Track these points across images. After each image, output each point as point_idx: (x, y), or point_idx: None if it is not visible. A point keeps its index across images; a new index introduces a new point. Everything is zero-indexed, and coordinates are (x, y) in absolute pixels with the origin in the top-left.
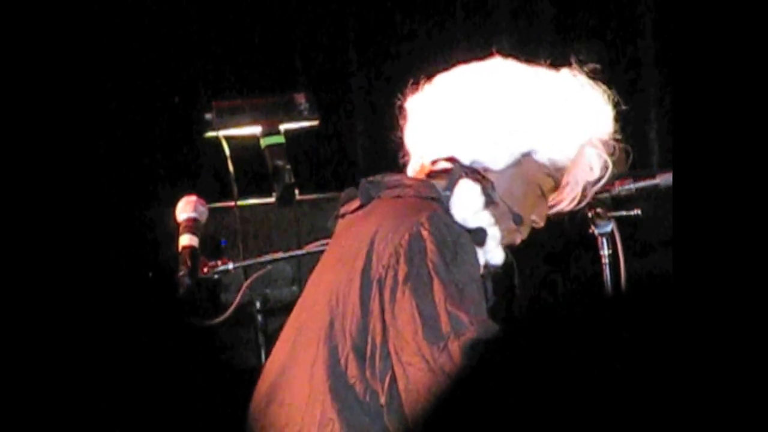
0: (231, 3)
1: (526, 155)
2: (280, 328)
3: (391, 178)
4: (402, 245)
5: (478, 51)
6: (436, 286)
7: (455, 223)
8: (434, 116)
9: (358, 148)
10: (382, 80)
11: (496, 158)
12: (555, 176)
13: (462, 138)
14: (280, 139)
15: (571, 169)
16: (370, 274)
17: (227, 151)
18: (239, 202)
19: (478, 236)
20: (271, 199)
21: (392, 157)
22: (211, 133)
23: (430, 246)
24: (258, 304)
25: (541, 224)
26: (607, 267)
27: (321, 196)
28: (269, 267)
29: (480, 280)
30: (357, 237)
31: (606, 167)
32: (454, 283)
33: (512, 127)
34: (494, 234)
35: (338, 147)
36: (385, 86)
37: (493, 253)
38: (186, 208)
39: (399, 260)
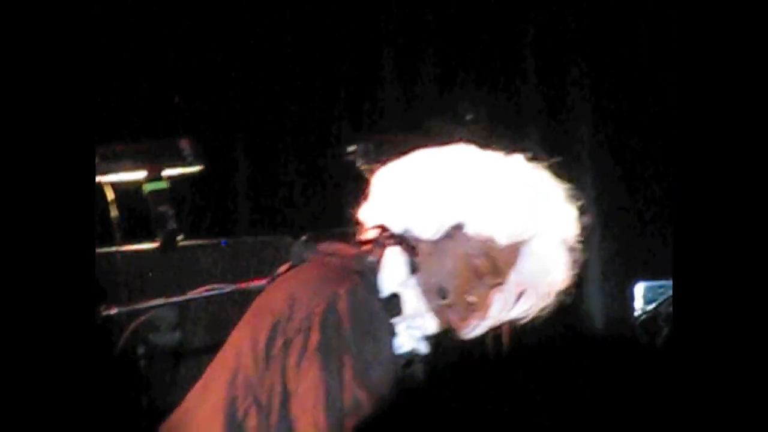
0: (116, 46)
1: (456, 227)
2: (163, 373)
3: (330, 245)
4: (316, 312)
5: (363, 103)
6: (346, 362)
7: (375, 298)
8: (382, 191)
9: (241, 193)
10: (266, 126)
11: (425, 227)
12: (493, 258)
13: (394, 206)
14: (163, 184)
15: (521, 268)
16: (277, 331)
17: (110, 196)
18: (122, 248)
19: (393, 304)
20: (154, 245)
21: (276, 202)
22: None
23: (344, 319)
24: (140, 350)
25: (482, 311)
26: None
27: (204, 241)
28: (152, 312)
29: (389, 359)
30: (275, 295)
31: (568, 272)
32: (362, 360)
33: (442, 197)
34: (417, 301)
35: (222, 192)
36: (269, 132)
37: (421, 321)
38: None
39: (311, 327)
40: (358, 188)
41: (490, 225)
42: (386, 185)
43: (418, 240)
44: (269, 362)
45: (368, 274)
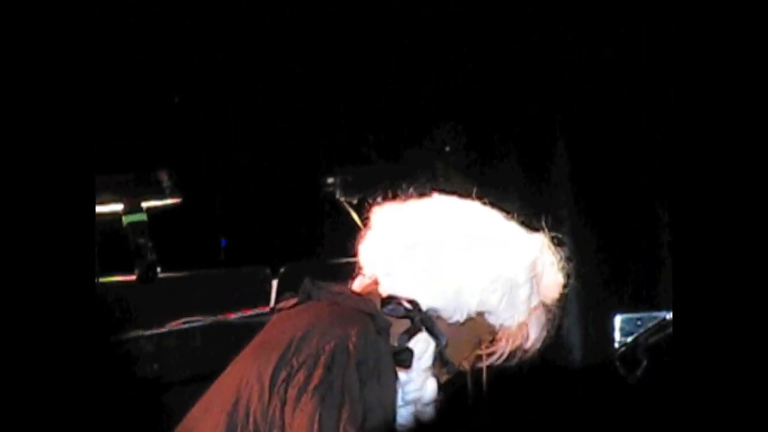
0: (94, 77)
1: (480, 314)
2: (140, 404)
3: (337, 287)
4: (325, 350)
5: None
6: (345, 403)
7: (384, 342)
8: (400, 245)
9: (220, 225)
10: (244, 158)
11: (453, 314)
12: (497, 334)
13: (427, 285)
14: (142, 216)
15: (513, 335)
16: (283, 363)
17: None
18: (101, 279)
19: (404, 357)
20: (133, 277)
21: (255, 234)
22: None
23: (351, 361)
24: (118, 382)
25: (467, 368)
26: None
27: (183, 274)
28: (130, 344)
29: (390, 404)
30: (284, 328)
31: (544, 336)
32: (362, 403)
33: (479, 290)
34: (432, 386)
35: (200, 224)
36: (247, 163)
37: (425, 391)
38: None
39: (317, 363)
40: (337, 220)
41: (509, 317)
42: (408, 250)
43: (439, 319)
44: (272, 393)
45: (378, 318)
